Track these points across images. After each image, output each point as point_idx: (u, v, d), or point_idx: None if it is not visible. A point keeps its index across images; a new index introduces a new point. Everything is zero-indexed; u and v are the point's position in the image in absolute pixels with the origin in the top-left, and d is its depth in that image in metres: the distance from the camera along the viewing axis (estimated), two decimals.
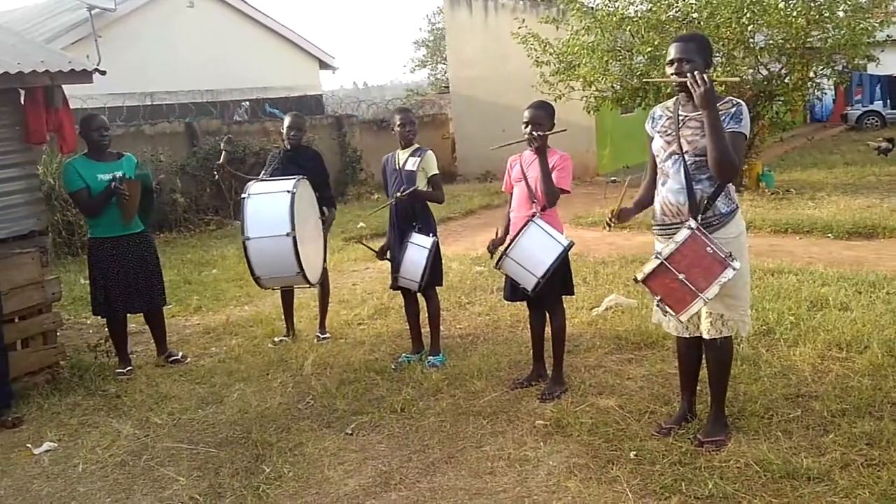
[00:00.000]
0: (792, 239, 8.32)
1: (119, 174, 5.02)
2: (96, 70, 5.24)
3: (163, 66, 13.66)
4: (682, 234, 3.33)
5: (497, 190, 13.51)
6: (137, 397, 4.78)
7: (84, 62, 5.27)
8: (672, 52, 3.43)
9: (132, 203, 5.04)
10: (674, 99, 3.59)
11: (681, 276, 3.29)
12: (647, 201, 3.73)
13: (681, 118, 3.48)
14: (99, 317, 5.45)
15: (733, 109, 3.38)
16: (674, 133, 3.49)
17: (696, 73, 3.25)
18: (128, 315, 5.38)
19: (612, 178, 13.46)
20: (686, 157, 3.43)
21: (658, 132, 3.58)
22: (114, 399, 4.77)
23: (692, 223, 3.35)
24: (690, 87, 3.26)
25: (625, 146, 14.60)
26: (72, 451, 4.08)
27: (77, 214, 9.71)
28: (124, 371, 5.19)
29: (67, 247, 9.73)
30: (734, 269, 3.26)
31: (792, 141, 18.15)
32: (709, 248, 3.28)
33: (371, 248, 5.40)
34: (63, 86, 5.20)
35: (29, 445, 4.17)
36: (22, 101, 5.11)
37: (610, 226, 3.71)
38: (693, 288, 3.27)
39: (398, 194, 4.82)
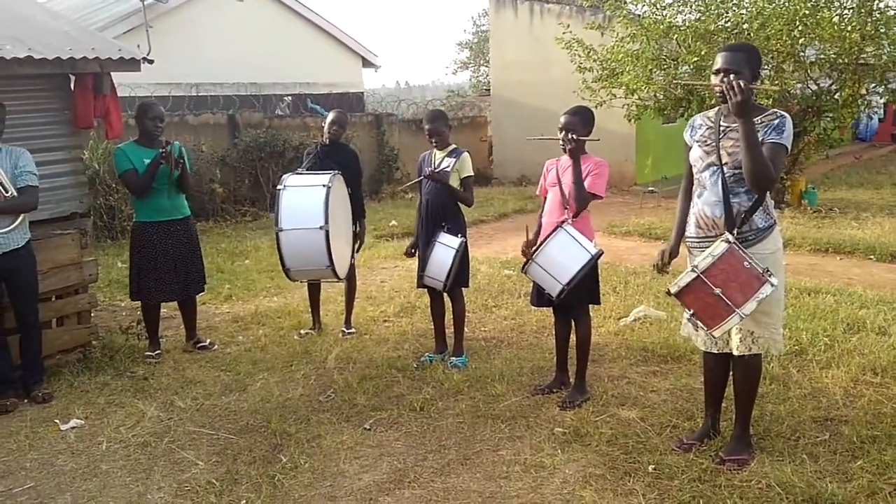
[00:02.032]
0: (832, 259, 8.13)
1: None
2: (144, 59, 5.34)
3: (210, 59, 13.88)
4: (720, 247, 3.26)
5: (532, 194, 13.42)
6: (164, 381, 4.88)
7: (133, 51, 5.37)
8: (719, 61, 3.36)
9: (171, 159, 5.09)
10: (716, 109, 3.53)
11: (717, 291, 3.22)
12: (684, 221, 3.68)
13: (722, 128, 3.42)
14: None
15: (776, 121, 3.31)
16: (713, 143, 3.43)
17: (733, 79, 3.18)
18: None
19: (650, 189, 13.30)
20: (725, 168, 3.37)
21: (697, 141, 3.52)
22: (141, 381, 4.87)
23: (729, 236, 3.28)
24: (727, 94, 3.19)
25: (664, 156, 14.41)
26: (97, 429, 4.18)
27: (119, 199, 9.93)
28: (153, 354, 5.29)
29: (108, 231, 9.95)
30: (772, 285, 3.19)
31: (838, 159, 17.72)
32: (746, 263, 3.21)
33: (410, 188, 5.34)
34: (111, 73, 5.32)
35: (57, 421, 4.28)
36: (72, 87, 5.23)
37: (663, 272, 3.69)
38: (729, 303, 3.21)
39: (428, 170, 4.84)
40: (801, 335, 5.19)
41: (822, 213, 10.84)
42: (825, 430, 3.82)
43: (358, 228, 5.60)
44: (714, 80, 3.39)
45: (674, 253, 3.70)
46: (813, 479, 3.33)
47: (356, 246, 5.63)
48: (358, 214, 5.59)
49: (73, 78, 5.20)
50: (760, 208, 3.38)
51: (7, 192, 4.32)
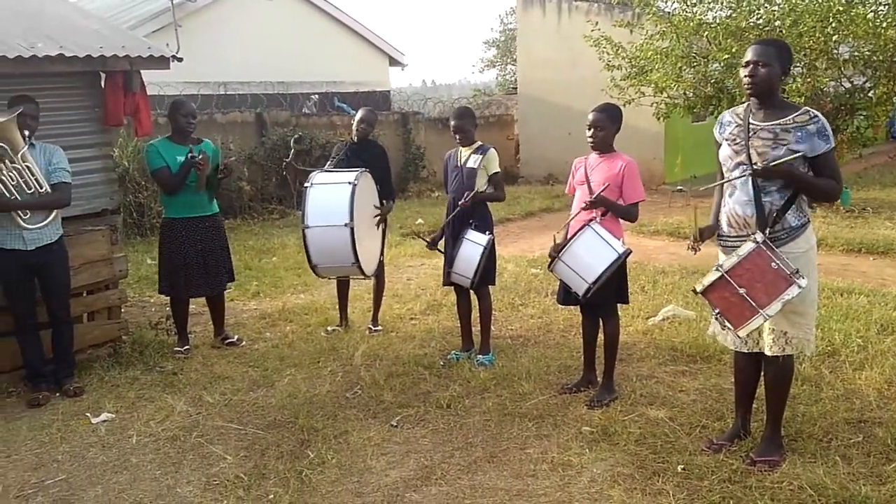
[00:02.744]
0: (865, 259, 7.97)
1: (197, 153, 5.16)
2: (174, 57, 5.39)
3: (237, 57, 13.99)
4: (746, 247, 3.22)
5: (558, 193, 13.36)
6: (192, 376, 4.92)
7: (162, 49, 5.43)
8: (749, 53, 3.32)
9: (204, 173, 5.16)
10: (745, 105, 3.47)
11: (741, 291, 3.18)
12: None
13: (751, 128, 3.36)
14: (163, 296, 5.62)
15: (814, 126, 3.25)
16: (743, 143, 3.37)
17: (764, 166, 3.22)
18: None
19: (679, 188, 13.15)
20: (755, 168, 3.32)
21: (726, 140, 3.47)
22: (170, 376, 4.92)
23: (758, 236, 3.23)
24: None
25: (694, 155, 14.23)
26: (127, 422, 4.23)
27: (148, 197, 10.04)
28: (182, 350, 5.34)
29: (137, 227, 10.07)
30: (800, 286, 3.14)
31: (872, 158, 17.36)
32: (773, 264, 3.16)
33: (423, 238, 5.39)
34: (141, 71, 5.38)
35: (88, 415, 4.34)
36: (102, 85, 5.30)
37: (696, 250, 3.59)
38: (753, 303, 3.16)
39: (461, 201, 4.79)
40: (833, 336, 5.10)
41: (855, 212, 10.64)
42: (858, 432, 3.75)
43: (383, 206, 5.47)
44: (742, 72, 3.35)
45: (710, 232, 3.58)
46: (846, 481, 3.27)
47: (383, 211, 5.49)
48: (387, 196, 5.51)
49: (103, 76, 5.27)
50: (794, 206, 3.32)
51: (41, 188, 4.39)
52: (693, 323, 5.60)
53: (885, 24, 9.72)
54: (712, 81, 11.15)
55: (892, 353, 4.77)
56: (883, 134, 20.42)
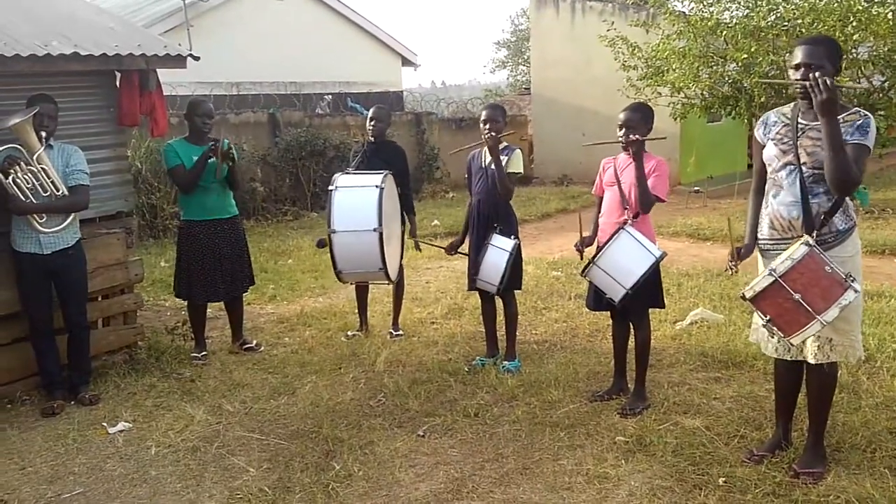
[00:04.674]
0: (889, 261, 7.82)
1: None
2: (190, 55, 5.27)
3: (250, 57, 13.92)
4: (801, 250, 3.08)
5: (574, 194, 13.25)
6: (211, 383, 4.80)
7: (179, 47, 5.32)
8: (799, 55, 3.19)
9: (221, 155, 5.04)
10: (791, 105, 3.37)
11: (796, 296, 3.03)
12: (757, 219, 3.49)
13: (800, 127, 3.26)
14: (179, 300, 5.50)
15: (861, 121, 3.14)
16: (791, 142, 3.26)
17: (819, 76, 3.00)
18: None
19: (696, 188, 13.01)
20: (804, 168, 3.21)
21: (772, 139, 3.35)
22: (188, 383, 4.80)
23: (809, 239, 3.11)
24: (811, 91, 3.01)
25: (710, 156, 14.10)
26: (145, 432, 4.11)
27: (161, 198, 9.96)
28: (199, 356, 5.23)
29: (150, 229, 9.99)
30: (856, 290, 3.02)
31: (890, 158, 17.17)
32: (827, 268, 3.04)
33: (439, 246, 5.31)
34: (157, 70, 5.27)
35: (105, 424, 4.21)
36: (117, 84, 5.19)
37: (734, 270, 3.45)
38: (810, 309, 3.02)
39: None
40: (867, 341, 4.94)
41: (875, 213, 10.49)
42: None
43: (408, 225, 5.50)
44: (794, 75, 3.23)
45: (748, 251, 3.49)
46: (895, 494, 3.13)
47: (413, 239, 5.54)
48: (408, 210, 5.48)
49: (118, 75, 5.16)
50: (840, 209, 3.21)
51: (58, 191, 4.28)
52: (722, 327, 5.47)
53: None
54: (729, 81, 11.03)
55: None
56: None
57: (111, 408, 4.45)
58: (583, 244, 4.33)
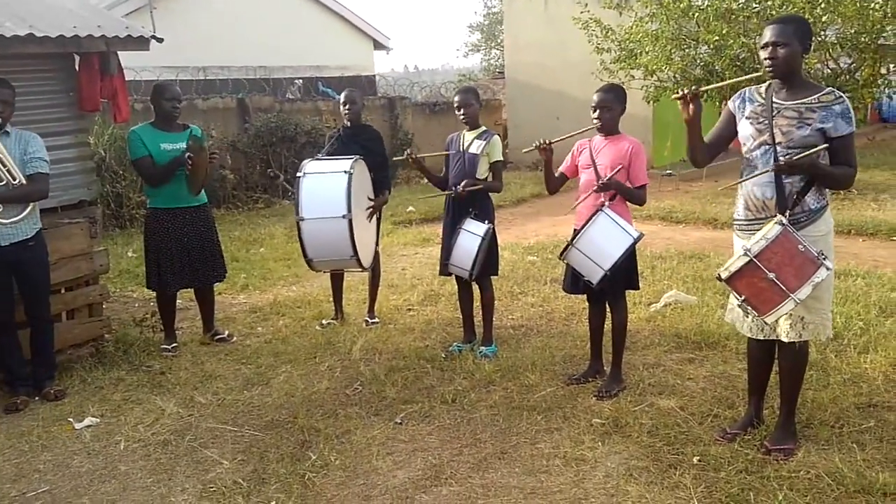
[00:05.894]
0: (856, 241, 7.93)
1: (190, 144, 4.85)
2: (153, 37, 5.12)
3: (217, 41, 13.65)
4: (774, 229, 3.11)
5: None
6: (182, 375, 4.70)
7: (141, 29, 5.16)
8: (767, 34, 3.21)
9: (199, 173, 4.86)
10: (766, 84, 3.36)
11: (771, 275, 3.06)
12: (701, 143, 3.58)
13: (775, 106, 3.26)
14: (149, 290, 5.37)
15: (839, 107, 3.16)
16: (766, 122, 3.27)
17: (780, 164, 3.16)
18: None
19: (668, 172, 13.06)
20: (778, 147, 3.23)
21: (747, 117, 3.36)
22: (158, 376, 4.69)
23: (782, 218, 3.13)
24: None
25: (683, 139, 14.10)
26: (114, 427, 4.00)
27: (126, 186, 9.76)
28: (169, 348, 5.11)
29: (115, 219, 9.78)
30: (827, 268, 3.07)
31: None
32: (800, 247, 3.08)
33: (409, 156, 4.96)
34: (119, 53, 5.11)
35: (71, 420, 4.10)
36: (76, 68, 5.02)
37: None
38: (784, 288, 3.05)
39: (459, 187, 4.64)
40: (835, 319, 5.00)
41: (841, 194, 10.60)
42: (869, 417, 3.70)
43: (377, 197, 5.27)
44: (762, 53, 3.25)
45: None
46: (863, 468, 3.21)
47: (377, 203, 5.27)
48: (382, 187, 5.32)
49: (77, 58, 4.99)
50: (813, 188, 3.23)
51: (15, 179, 4.13)
52: (695, 308, 5.50)
53: (872, 6, 9.68)
54: (701, 64, 11.05)
55: (894, 336, 4.73)
56: (861, 115, 20.53)
57: (77, 403, 4.33)
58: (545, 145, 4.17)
